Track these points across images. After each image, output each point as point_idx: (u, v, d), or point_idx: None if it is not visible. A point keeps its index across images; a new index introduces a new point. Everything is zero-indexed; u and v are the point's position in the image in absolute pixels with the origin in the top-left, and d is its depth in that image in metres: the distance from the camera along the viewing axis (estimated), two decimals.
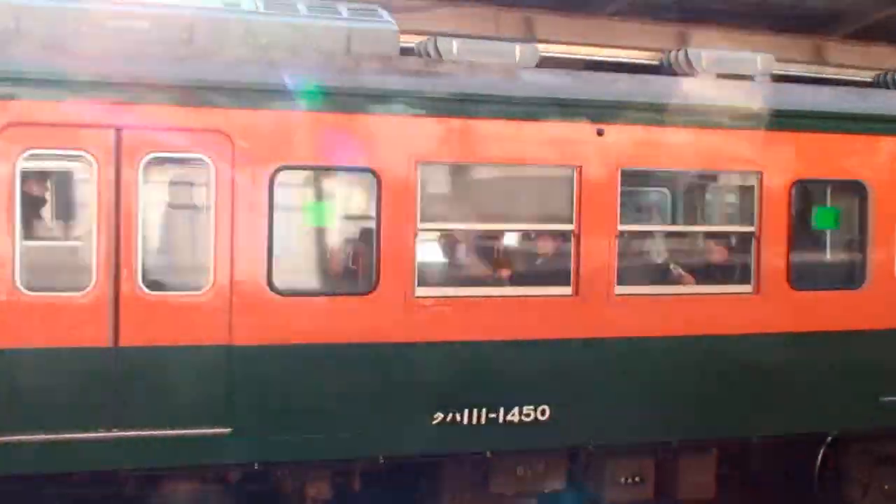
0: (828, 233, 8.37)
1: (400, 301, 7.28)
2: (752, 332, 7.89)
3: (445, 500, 8.00)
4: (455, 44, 7.91)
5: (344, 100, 7.16)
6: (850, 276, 8.05)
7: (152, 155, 6.86)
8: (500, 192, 8.30)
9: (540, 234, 8.11)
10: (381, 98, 7.28)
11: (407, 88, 7.40)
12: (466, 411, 7.47)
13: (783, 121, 7.86)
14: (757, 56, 8.60)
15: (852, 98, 8.38)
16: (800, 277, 7.98)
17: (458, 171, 8.02)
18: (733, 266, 8.10)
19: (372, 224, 7.33)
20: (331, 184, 7.73)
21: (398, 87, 7.41)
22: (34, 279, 6.65)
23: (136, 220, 6.74)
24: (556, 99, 7.69)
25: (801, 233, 8.14)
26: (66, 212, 7.24)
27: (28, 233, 6.73)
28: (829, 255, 8.39)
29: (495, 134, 7.57)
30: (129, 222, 6.70)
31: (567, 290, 7.71)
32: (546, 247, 8.04)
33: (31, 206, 6.89)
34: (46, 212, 7.18)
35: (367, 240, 7.46)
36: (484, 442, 7.60)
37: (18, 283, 6.53)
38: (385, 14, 8.00)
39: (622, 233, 7.83)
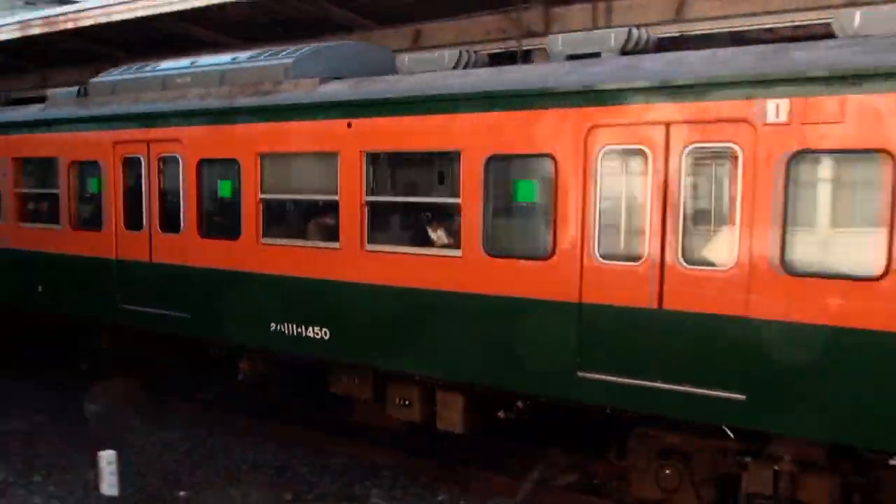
0: (530, 205, 8.96)
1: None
2: (458, 290, 9.09)
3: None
4: None
5: None
6: (540, 247, 8.57)
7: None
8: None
9: (323, 203, 10.36)
10: None
11: None
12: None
13: (478, 103, 8.92)
14: (612, 33, 9.07)
15: (543, 74, 8.89)
16: (494, 245, 8.84)
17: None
18: (456, 233, 9.20)
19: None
20: None
21: None
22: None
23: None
24: (317, 103, 10.17)
25: (499, 204, 9.01)
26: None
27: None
28: (526, 226, 8.98)
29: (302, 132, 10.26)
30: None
31: (336, 245, 9.99)
32: (326, 214, 10.28)
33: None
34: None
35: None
36: None
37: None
38: None
39: (367, 202, 9.80)
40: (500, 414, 9.98)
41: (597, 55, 8.97)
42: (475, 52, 10.21)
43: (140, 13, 16.61)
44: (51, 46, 19.81)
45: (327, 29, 15.61)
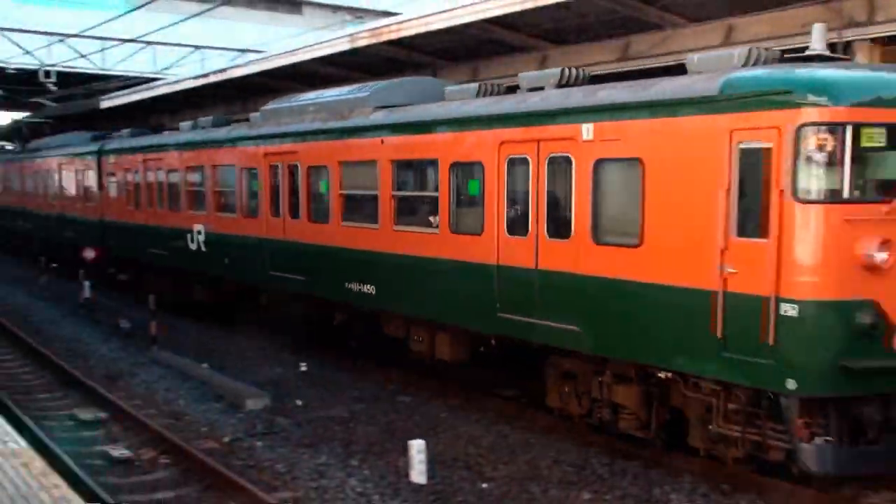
0: (474, 197, 12.08)
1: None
2: (436, 256, 12.45)
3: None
4: None
5: None
6: (478, 226, 11.83)
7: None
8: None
9: (370, 196, 13.94)
10: None
11: None
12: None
13: (444, 125, 12.56)
14: (555, 70, 11.74)
15: (476, 105, 12.38)
16: (456, 226, 12.35)
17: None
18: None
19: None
20: None
21: None
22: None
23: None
24: (366, 126, 14.14)
25: (459, 197, 12.38)
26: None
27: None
28: (471, 212, 12.16)
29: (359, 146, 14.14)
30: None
31: (377, 226, 13.68)
32: (373, 204, 13.88)
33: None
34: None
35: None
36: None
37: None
38: None
39: (394, 196, 13.38)
40: (481, 349, 13.09)
41: (541, 89, 11.63)
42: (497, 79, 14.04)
43: (457, 21, 17.24)
44: (375, 57, 21.05)
45: (637, 28, 15.50)
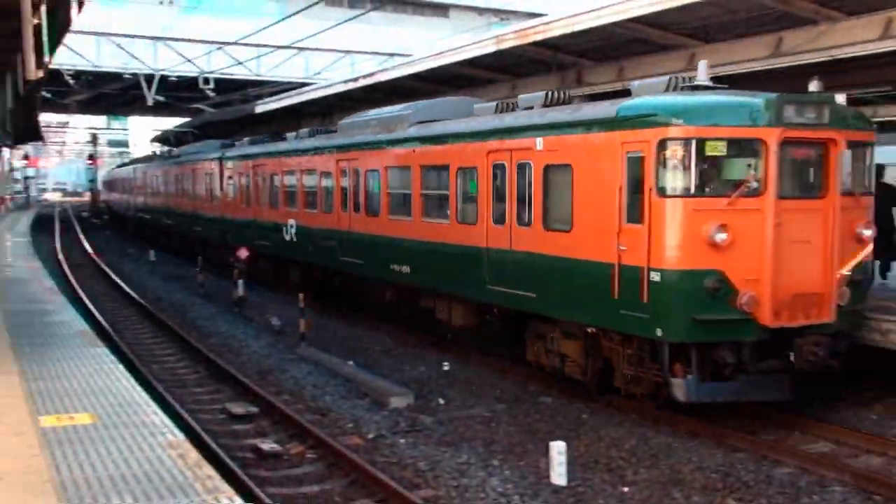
0: (473, 195, 14.97)
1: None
2: (448, 241, 15.48)
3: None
4: None
5: None
6: (475, 218, 14.94)
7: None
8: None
9: (407, 195, 17.16)
10: None
11: None
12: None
13: (452, 138, 15.69)
14: (543, 93, 14.37)
15: (476, 122, 15.61)
16: (461, 217, 15.44)
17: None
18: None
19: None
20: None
21: None
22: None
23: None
24: (402, 138, 17.44)
25: (463, 194, 15.32)
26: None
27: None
28: (471, 207, 15.10)
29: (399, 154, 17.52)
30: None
31: (410, 219, 16.78)
32: (408, 201, 17.14)
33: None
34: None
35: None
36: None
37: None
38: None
39: (422, 194, 16.51)
40: (487, 317, 15.61)
41: (530, 108, 14.40)
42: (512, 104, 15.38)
43: (603, 21, 17.07)
44: (520, 58, 21.05)
45: (790, 23, 15.00)
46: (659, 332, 11.19)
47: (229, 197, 28.47)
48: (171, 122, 64.47)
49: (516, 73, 22.80)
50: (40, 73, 20.41)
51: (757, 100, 11.30)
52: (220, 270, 28.13)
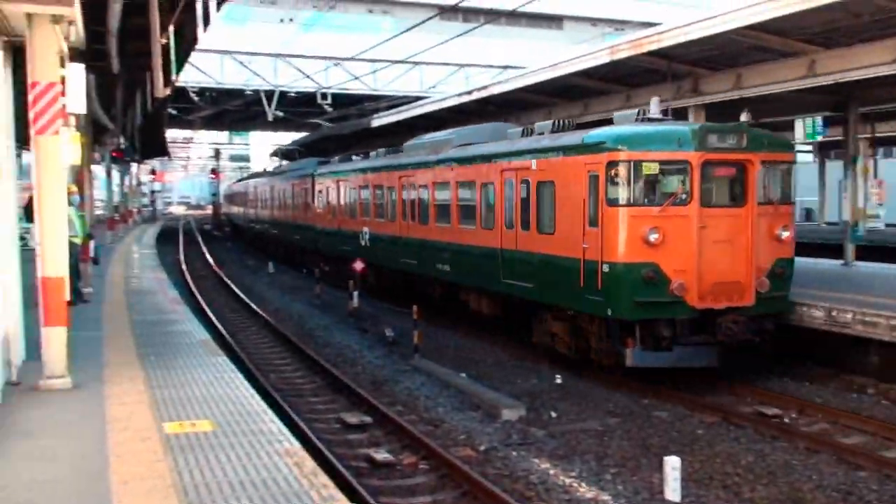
0: (492, 204, 18.32)
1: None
2: (474, 244, 18.89)
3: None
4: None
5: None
6: (492, 223, 18.43)
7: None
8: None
9: (447, 205, 20.83)
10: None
11: None
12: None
13: (476, 160, 19.28)
14: (551, 121, 17.71)
15: (492, 147, 19.40)
16: (483, 224, 18.80)
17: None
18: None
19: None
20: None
21: None
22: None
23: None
24: (444, 158, 21.04)
25: (485, 204, 18.68)
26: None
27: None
28: (491, 214, 18.45)
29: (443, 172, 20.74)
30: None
31: (449, 225, 20.23)
32: (449, 210, 20.67)
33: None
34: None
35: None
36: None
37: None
38: None
39: (458, 204, 20.03)
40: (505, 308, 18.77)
41: (541, 133, 17.52)
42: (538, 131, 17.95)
43: (719, 28, 16.80)
44: (634, 68, 20.86)
45: None
46: (609, 312, 14.39)
47: (319, 209, 32.45)
48: (289, 137, 65.94)
49: (630, 83, 22.62)
50: (167, 91, 21.23)
51: (685, 129, 14.53)
52: (337, 282, 28.65)
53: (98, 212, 48.14)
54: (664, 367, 14.60)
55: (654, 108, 15.81)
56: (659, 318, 14.22)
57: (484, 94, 26.81)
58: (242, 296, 27.17)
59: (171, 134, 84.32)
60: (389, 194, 24.46)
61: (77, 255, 17.78)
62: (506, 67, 46.80)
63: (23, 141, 15.17)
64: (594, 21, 57.74)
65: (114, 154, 40.25)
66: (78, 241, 17.72)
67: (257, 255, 44.84)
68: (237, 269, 37.65)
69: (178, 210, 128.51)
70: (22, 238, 12.97)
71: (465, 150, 20.24)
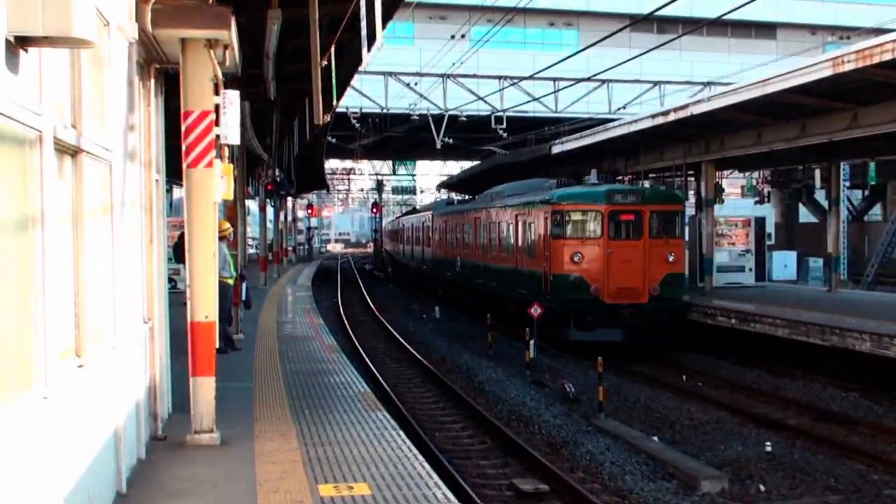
0: (531, 240, 29.20)
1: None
2: (517, 266, 30.08)
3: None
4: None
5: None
6: (530, 253, 29.34)
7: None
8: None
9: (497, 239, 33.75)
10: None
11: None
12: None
13: (511, 204, 31.99)
14: (555, 181, 31.02)
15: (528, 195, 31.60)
16: (521, 254, 30.74)
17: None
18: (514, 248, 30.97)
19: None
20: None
21: None
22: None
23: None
24: (501, 206, 33.75)
25: (524, 238, 30.08)
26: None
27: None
28: (530, 246, 29.12)
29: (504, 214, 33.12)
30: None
31: (495, 252, 33.81)
32: (499, 244, 33.35)
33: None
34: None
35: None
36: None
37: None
38: None
39: (500, 238, 33.40)
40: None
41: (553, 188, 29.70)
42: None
43: None
44: (862, 83, 20.25)
45: None
46: (555, 305, 25.54)
47: (435, 242, 46.06)
48: (458, 167, 66.81)
49: (858, 100, 21.98)
50: (327, 118, 21.99)
51: (601, 189, 26.79)
52: (510, 329, 28.89)
53: (250, 250, 50.09)
54: (589, 340, 24.50)
55: (593, 177, 29.07)
56: (584, 310, 25.24)
57: (682, 114, 26.56)
58: (405, 343, 27.69)
59: (331, 165, 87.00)
60: (470, 230, 37.56)
61: (229, 299, 18.56)
62: (707, 84, 46.23)
63: (172, 174, 16.00)
64: (813, 29, 56.43)
65: (268, 188, 41.81)
66: (231, 282, 18.51)
67: (422, 299, 45.57)
68: (399, 314, 38.39)
69: (335, 248, 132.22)
70: (170, 279, 13.62)
71: (505, 199, 33.06)
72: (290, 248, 71.90)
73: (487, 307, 31.04)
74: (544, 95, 42.74)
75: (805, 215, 51.37)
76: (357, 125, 45.62)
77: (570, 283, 25.30)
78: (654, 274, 25.40)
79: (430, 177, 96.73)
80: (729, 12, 21.83)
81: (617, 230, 25.71)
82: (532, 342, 23.35)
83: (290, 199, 68.97)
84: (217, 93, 10.87)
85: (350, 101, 42.34)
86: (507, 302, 30.92)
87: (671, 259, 25.62)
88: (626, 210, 25.71)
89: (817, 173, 32.07)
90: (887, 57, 18.03)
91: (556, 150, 37.47)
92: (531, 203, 28.29)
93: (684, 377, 22.74)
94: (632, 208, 25.71)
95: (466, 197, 51.88)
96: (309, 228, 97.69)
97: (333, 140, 49.84)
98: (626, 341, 24.89)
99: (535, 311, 24.50)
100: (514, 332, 28.50)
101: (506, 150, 47.74)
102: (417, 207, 70.97)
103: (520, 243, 29.41)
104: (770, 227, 44.84)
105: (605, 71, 31.61)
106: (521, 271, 29.08)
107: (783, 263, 43.40)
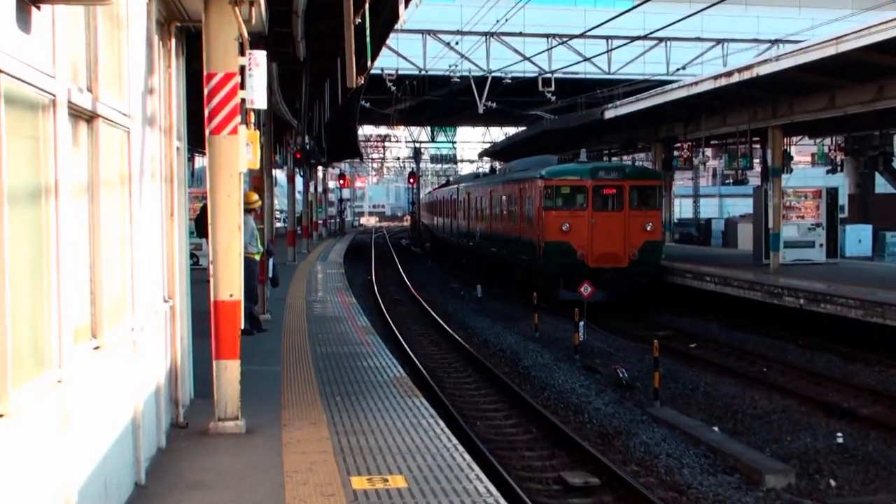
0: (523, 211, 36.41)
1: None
2: (516, 234, 36.87)
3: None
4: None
5: None
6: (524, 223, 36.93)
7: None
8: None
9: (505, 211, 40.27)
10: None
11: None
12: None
13: (507, 178, 41.67)
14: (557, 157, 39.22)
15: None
16: (510, 224, 39.08)
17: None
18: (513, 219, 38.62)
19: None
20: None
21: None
22: None
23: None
24: (506, 179, 41.80)
25: (524, 210, 36.14)
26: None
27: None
28: (523, 216, 36.36)
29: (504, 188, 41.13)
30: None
31: (500, 224, 40.97)
32: (506, 214, 39.97)
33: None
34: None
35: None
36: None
37: None
38: None
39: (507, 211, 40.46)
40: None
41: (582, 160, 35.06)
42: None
43: None
44: None
45: None
46: (547, 269, 31.28)
47: (462, 214, 51.89)
48: (502, 133, 66.61)
49: None
50: (360, 80, 21.85)
51: (587, 167, 32.68)
52: (558, 309, 28.97)
53: (277, 224, 50.26)
54: (576, 300, 26.45)
55: (583, 156, 35.00)
56: (571, 273, 30.03)
57: (747, 75, 26.32)
58: (444, 325, 27.75)
59: (364, 131, 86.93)
60: (485, 203, 43.68)
61: (255, 276, 18.65)
62: (775, 42, 45.78)
63: (194, 142, 16.02)
64: None
65: (297, 156, 41.90)
66: (257, 257, 18.59)
67: (462, 276, 45.62)
68: (438, 293, 38.48)
69: (369, 221, 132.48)
70: (192, 255, 13.66)
71: (508, 175, 41.19)
72: (319, 222, 72.12)
73: (499, 273, 40.21)
74: (596, 55, 42.52)
75: (882, 185, 50.77)
76: (393, 88, 45.60)
77: (560, 249, 31.19)
78: (633, 241, 31.24)
79: (472, 145, 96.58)
80: None
81: (601, 203, 31.66)
82: (582, 324, 23.32)
83: (320, 168, 69.15)
84: (242, 53, 10.85)
85: (385, 62, 42.27)
86: (513, 268, 37.57)
87: (649, 228, 31.55)
88: (609, 185, 31.80)
89: None
90: None
91: (608, 114, 37.30)
92: (530, 178, 34.15)
93: (747, 362, 22.63)
94: (614, 183, 31.86)
95: (499, 167, 59.22)
96: (341, 200, 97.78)
97: (367, 104, 49.89)
98: (609, 301, 30.12)
99: (586, 289, 24.44)
100: (562, 314, 28.56)
101: (554, 115, 47.54)
102: (451, 179, 74.75)
103: (521, 214, 35.45)
104: (843, 199, 44.43)
105: (663, 28, 31.38)
106: (522, 239, 34.90)
107: (857, 238, 43.02)
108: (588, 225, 31.03)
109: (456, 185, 57.68)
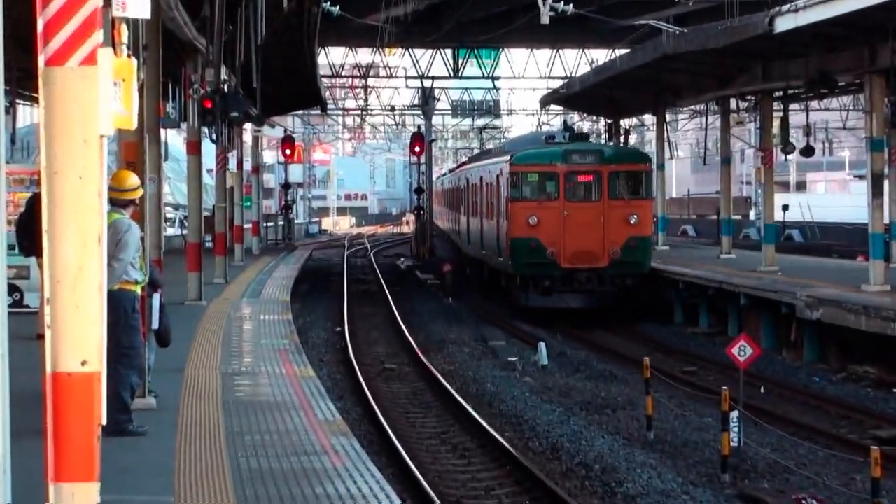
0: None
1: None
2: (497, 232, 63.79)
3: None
4: None
5: None
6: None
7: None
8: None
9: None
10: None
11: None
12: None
13: (490, 161, 71.46)
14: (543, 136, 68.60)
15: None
16: (490, 214, 68.56)
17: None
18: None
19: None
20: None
21: None
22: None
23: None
24: (491, 162, 71.52)
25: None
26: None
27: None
28: (495, 207, 65.71)
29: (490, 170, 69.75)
30: None
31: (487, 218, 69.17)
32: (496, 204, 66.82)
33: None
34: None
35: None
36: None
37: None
38: None
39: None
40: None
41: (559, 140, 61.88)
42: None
43: None
44: None
45: None
46: (512, 270, 54.50)
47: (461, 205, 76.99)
48: (584, 61, 67.01)
49: None
50: None
51: (557, 149, 55.38)
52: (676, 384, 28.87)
53: (169, 230, 50.17)
54: (549, 307, 48.72)
55: (559, 136, 58.01)
56: (540, 274, 49.86)
57: None
58: (479, 418, 27.57)
59: (331, 59, 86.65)
60: (473, 189, 68.25)
61: (136, 326, 18.36)
62: None
63: (18, 81, 15.97)
64: None
65: (206, 105, 40.87)
66: (138, 290, 18.31)
67: (510, 326, 45.89)
68: (468, 359, 38.63)
69: (341, 224, 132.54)
70: (12, 289, 13.53)
71: (493, 157, 64.67)
72: (247, 226, 71.55)
73: (489, 278, 60.75)
74: None
75: None
76: None
77: (527, 247, 46.76)
78: (613, 237, 46.87)
79: (529, 84, 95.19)
80: None
81: (575, 192, 46.81)
82: (735, 415, 23.14)
83: (248, 128, 68.83)
84: None
85: None
86: (486, 271, 56.02)
87: (633, 221, 46.09)
88: (584, 171, 47.24)
89: None
90: None
91: (783, 24, 37.15)
92: (498, 163, 48.75)
93: None
94: (590, 168, 47.72)
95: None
96: (286, 186, 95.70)
97: (337, 9, 49.24)
98: (587, 307, 43.53)
99: (745, 351, 24.41)
100: (689, 393, 28.37)
101: (679, 26, 47.55)
102: (490, 149, 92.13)
103: (489, 206, 52.16)
104: None
105: None
106: (489, 236, 50.81)
107: None
108: (560, 218, 47.62)
109: (496, 160, 68.84)
